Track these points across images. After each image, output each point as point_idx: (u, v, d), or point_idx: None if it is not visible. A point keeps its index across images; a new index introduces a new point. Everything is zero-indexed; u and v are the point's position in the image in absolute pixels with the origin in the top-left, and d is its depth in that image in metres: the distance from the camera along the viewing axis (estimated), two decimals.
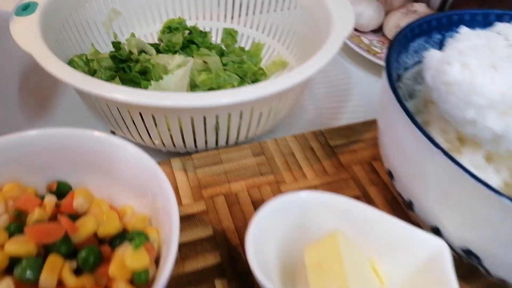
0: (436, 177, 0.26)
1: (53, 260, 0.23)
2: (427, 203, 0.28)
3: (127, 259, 0.24)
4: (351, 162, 0.42)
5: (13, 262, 0.23)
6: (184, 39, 0.54)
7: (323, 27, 0.47)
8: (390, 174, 0.32)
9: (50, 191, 0.29)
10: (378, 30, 0.69)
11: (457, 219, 0.26)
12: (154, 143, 0.41)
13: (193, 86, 0.45)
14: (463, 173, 0.24)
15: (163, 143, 0.41)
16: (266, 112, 0.41)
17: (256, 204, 0.37)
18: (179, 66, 0.44)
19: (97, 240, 0.27)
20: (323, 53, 0.40)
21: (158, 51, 0.52)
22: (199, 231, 0.35)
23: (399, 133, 0.29)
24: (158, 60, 0.47)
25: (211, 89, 0.45)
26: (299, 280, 0.28)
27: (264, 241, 0.27)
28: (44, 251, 0.25)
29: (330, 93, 0.59)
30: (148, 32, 0.57)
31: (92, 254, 0.24)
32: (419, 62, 0.38)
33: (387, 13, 0.68)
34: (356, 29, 0.68)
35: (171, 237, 0.24)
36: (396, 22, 0.64)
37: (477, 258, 0.26)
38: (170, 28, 0.55)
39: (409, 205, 0.30)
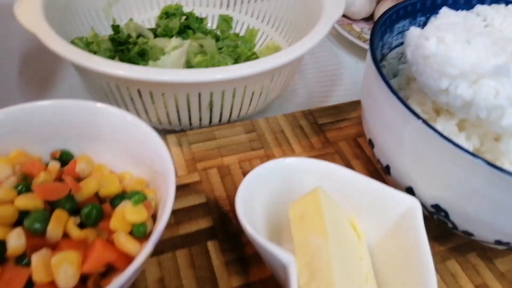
0: (411, 140, 0.28)
1: (59, 214, 0.26)
2: (402, 165, 0.30)
3: (127, 213, 0.26)
4: (337, 138, 0.45)
5: (22, 216, 0.26)
6: (181, 25, 0.56)
7: (315, 13, 0.49)
8: (370, 143, 0.34)
9: (54, 158, 0.32)
10: (369, 19, 0.71)
11: (429, 178, 0.29)
12: (151, 120, 0.43)
13: (189, 67, 0.47)
14: (435, 135, 0.26)
15: (160, 121, 0.43)
16: (258, 91, 0.43)
17: None
18: (175, 47, 0.46)
19: (99, 200, 0.29)
20: (313, 36, 0.42)
21: (156, 36, 0.54)
22: (193, 199, 0.37)
23: (379, 102, 0.31)
24: (155, 43, 0.49)
25: None
26: (285, 236, 0.30)
27: (252, 202, 0.30)
28: (50, 208, 0.27)
29: (321, 78, 0.61)
30: (146, 18, 0.59)
31: (94, 209, 0.27)
32: (403, 43, 0.41)
33: (378, 1, 0.70)
34: (347, 17, 0.70)
35: (168, 193, 0.26)
36: None
37: (445, 213, 0.29)
38: (167, 14, 0.57)
39: (387, 169, 0.33)
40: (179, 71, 0.36)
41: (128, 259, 0.25)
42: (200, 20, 0.58)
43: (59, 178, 0.29)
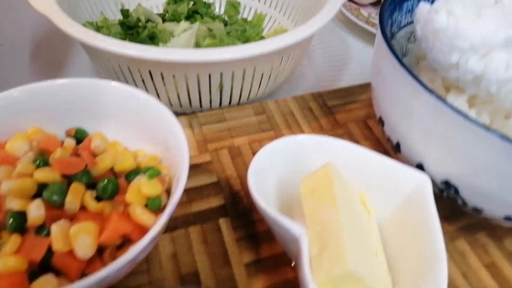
0: (422, 115, 0.29)
1: (76, 187, 0.26)
2: (412, 141, 0.31)
3: (142, 186, 0.27)
4: (346, 120, 0.45)
5: (41, 189, 0.26)
6: (189, 10, 0.56)
7: None
8: (380, 121, 0.35)
9: (69, 136, 0.32)
10: (377, 3, 0.71)
11: (439, 154, 0.29)
12: (162, 102, 0.44)
13: None
14: (447, 108, 0.26)
15: (170, 103, 0.44)
16: (267, 73, 0.43)
17: None
18: (184, 30, 0.47)
19: (114, 175, 0.30)
20: (321, 17, 0.42)
21: (164, 21, 0.54)
22: (205, 178, 0.38)
23: (389, 77, 0.31)
24: (164, 27, 0.49)
25: None
26: (296, 214, 0.31)
27: (263, 178, 0.30)
28: (67, 182, 0.27)
29: (330, 62, 0.61)
30: (154, 3, 0.59)
31: (110, 183, 0.27)
32: (412, 22, 0.41)
33: None
34: (355, 2, 0.70)
35: (181, 167, 0.26)
36: None
37: (456, 189, 0.29)
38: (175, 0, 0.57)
39: (397, 147, 0.33)
40: (189, 51, 0.36)
41: (143, 231, 0.26)
42: (208, 6, 0.59)
43: (75, 155, 0.30)
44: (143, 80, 0.41)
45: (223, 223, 0.34)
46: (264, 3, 0.61)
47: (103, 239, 0.25)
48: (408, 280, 0.27)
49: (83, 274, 0.25)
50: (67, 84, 0.32)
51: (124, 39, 0.47)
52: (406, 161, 0.33)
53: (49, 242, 0.24)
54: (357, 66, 0.61)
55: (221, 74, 0.40)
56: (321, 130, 0.43)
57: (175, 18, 0.54)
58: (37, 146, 0.30)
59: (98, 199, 0.28)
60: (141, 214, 0.26)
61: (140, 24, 0.50)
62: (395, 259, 0.29)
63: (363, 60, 0.62)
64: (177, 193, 0.25)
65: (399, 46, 0.40)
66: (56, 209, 0.26)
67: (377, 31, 0.34)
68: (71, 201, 0.26)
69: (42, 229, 0.25)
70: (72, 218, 0.26)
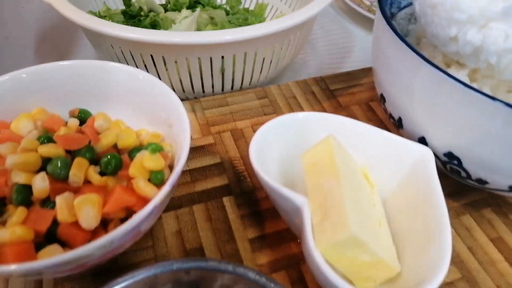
0: (424, 87, 0.29)
1: (80, 161, 0.27)
2: (414, 115, 0.31)
3: (145, 161, 0.27)
4: (349, 103, 0.45)
5: (45, 164, 0.27)
6: (191, 0, 0.56)
7: None
8: (382, 98, 0.35)
9: (73, 116, 0.33)
10: None
11: (441, 126, 0.29)
12: None
13: None
14: (449, 79, 0.26)
15: (173, 89, 0.44)
16: (269, 57, 0.44)
17: None
18: (186, 17, 0.47)
19: (117, 152, 0.30)
20: (319, 1, 0.42)
21: (166, 11, 0.55)
22: (208, 159, 0.38)
23: (390, 53, 0.31)
24: (166, 15, 0.50)
25: None
26: (298, 188, 0.31)
27: (266, 154, 0.30)
28: (71, 157, 0.28)
29: (332, 51, 0.61)
30: None
31: (113, 158, 0.28)
32: (412, 3, 0.41)
33: None
34: None
35: (183, 140, 0.27)
36: None
37: (458, 160, 0.29)
38: None
39: (399, 122, 0.33)
40: (190, 33, 0.37)
41: (147, 203, 0.26)
42: None
43: (79, 133, 0.30)
44: (145, 67, 0.41)
45: (227, 201, 0.34)
46: None
47: (107, 210, 0.25)
48: (412, 250, 0.27)
49: None
50: (71, 66, 0.32)
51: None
52: (408, 136, 0.33)
53: (54, 214, 0.25)
54: (359, 54, 0.61)
55: (223, 58, 0.41)
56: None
57: (177, 8, 0.54)
58: (42, 125, 0.30)
59: (102, 174, 0.28)
60: (144, 187, 0.26)
61: (142, 13, 0.50)
62: (400, 232, 0.29)
63: (365, 49, 0.62)
64: (181, 161, 0.25)
65: (400, 27, 0.40)
66: (60, 183, 0.26)
67: (376, 9, 0.34)
68: (75, 174, 0.26)
69: (47, 203, 0.26)
70: (76, 192, 0.26)
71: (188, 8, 0.56)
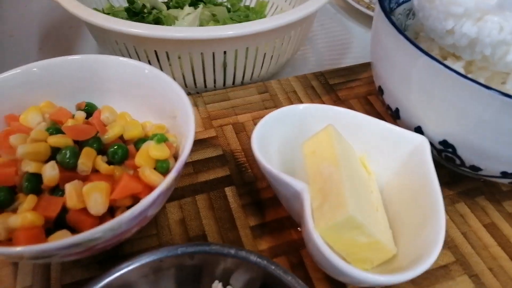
0: (420, 78, 0.30)
1: (88, 150, 0.28)
2: (411, 106, 0.32)
3: (151, 150, 0.28)
4: (348, 97, 0.46)
5: (54, 154, 0.28)
6: None
7: None
8: (380, 90, 0.36)
9: (79, 109, 0.34)
10: None
11: (437, 115, 0.30)
12: None
13: None
14: (444, 69, 0.27)
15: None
16: (270, 52, 0.45)
17: None
18: (188, 14, 0.48)
19: (123, 143, 0.31)
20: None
21: (168, 8, 0.56)
22: (210, 151, 0.39)
23: (388, 45, 0.32)
24: (169, 13, 0.51)
25: None
26: (298, 176, 0.32)
27: (267, 144, 0.31)
28: (79, 148, 0.29)
29: (331, 47, 0.62)
30: None
31: (120, 148, 0.29)
32: None
33: None
34: None
35: (188, 129, 0.28)
36: None
37: (453, 148, 0.30)
38: None
39: (396, 113, 0.34)
40: (194, 28, 0.38)
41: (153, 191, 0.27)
42: None
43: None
44: (149, 62, 0.42)
45: (229, 191, 0.35)
46: None
47: (115, 196, 0.26)
48: (408, 234, 0.28)
49: None
50: (79, 60, 0.33)
51: None
52: (405, 126, 0.34)
53: (63, 201, 0.26)
54: (358, 50, 0.62)
55: (225, 53, 0.42)
56: None
57: (179, 5, 0.55)
58: (50, 117, 0.31)
59: (109, 164, 0.29)
60: (150, 175, 0.27)
61: (145, 10, 0.51)
62: (396, 217, 0.30)
63: (364, 45, 0.63)
64: (187, 147, 0.26)
65: (398, 22, 0.41)
66: (69, 172, 0.27)
67: (376, 4, 0.35)
68: (84, 163, 0.27)
69: (56, 191, 0.27)
70: (85, 180, 0.27)
71: (190, 5, 0.57)
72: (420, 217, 0.28)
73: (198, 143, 0.40)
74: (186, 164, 0.37)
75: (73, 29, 0.60)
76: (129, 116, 0.33)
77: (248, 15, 0.57)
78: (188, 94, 0.47)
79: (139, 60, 0.42)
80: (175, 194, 0.35)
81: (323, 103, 0.45)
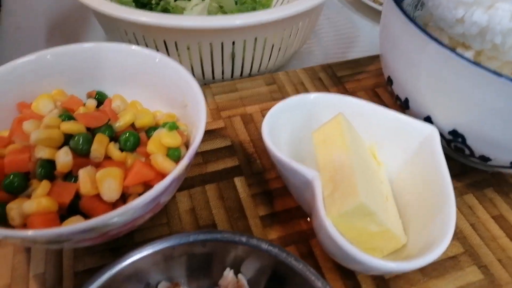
0: (430, 67, 0.30)
1: (101, 137, 0.28)
2: (421, 95, 0.32)
3: (163, 137, 0.28)
4: (355, 89, 0.46)
5: (67, 140, 0.28)
6: None
7: None
8: (389, 80, 0.36)
9: (90, 97, 0.34)
10: None
11: (446, 104, 0.30)
12: None
13: None
14: (455, 56, 0.27)
15: None
16: (277, 44, 0.45)
17: None
18: (196, 5, 0.48)
19: (135, 131, 0.31)
20: None
21: (176, 0, 0.56)
22: (219, 142, 0.39)
23: (398, 34, 0.32)
24: (177, 4, 0.51)
25: None
26: (308, 166, 0.32)
27: (277, 134, 0.31)
28: (91, 135, 0.29)
29: (338, 41, 0.62)
30: None
31: (132, 135, 0.29)
32: None
33: None
34: None
35: (199, 115, 0.28)
36: None
37: (462, 138, 0.30)
38: None
39: (405, 103, 0.34)
40: (203, 17, 0.38)
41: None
42: None
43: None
44: (157, 51, 0.42)
45: (238, 181, 0.36)
46: None
47: (127, 183, 0.26)
48: (418, 223, 0.28)
49: None
50: (92, 48, 0.33)
51: None
52: (414, 116, 0.34)
53: (77, 187, 0.26)
54: (364, 44, 0.62)
55: (233, 44, 0.42)
56: None
57: None
58: (61, 105, 0.31)
59: (121, 152, 0.29)
60: (163, 162, 0.27)
61: (153, 1, 0.51)
62: (406, 208, 0.31)
63: (371, 39, 0.63)
64: (199, 133, 0.27)
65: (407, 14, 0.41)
66: (82, 158, 0.27)
67: None
68: (97, 149, 0.27)
69: (69, 177, 0.27)
70: (97, 167, 0.27)
71: None
72: (430, 207, 0.28)
73: (207, 134, 0.40)
74: (195, 155, 0.37)
75: (80, 19, 0.60)
76: (140, 105, 0.33)
77: (255, 7, 0.57)
78: None
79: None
80: (185, 183, 0.35)
81: None
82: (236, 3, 0.58)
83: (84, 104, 0.32)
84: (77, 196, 0.26)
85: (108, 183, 0.26)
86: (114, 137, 0.30)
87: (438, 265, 0.31)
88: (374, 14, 0.66)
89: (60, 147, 0.28)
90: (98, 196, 0.26)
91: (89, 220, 0.22)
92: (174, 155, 0.29)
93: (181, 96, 0.32)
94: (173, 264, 0.27)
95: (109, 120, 0.30)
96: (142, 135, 0.30)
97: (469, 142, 0.30)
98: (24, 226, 0.25)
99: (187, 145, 0.31)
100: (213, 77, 0.46)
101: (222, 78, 0.46)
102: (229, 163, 0.37)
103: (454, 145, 0.32)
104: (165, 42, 0.41)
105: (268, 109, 0.42)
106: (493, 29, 0.29)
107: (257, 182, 0.36)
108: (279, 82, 0.46)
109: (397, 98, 0.35)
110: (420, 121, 0.31)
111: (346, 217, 0.25)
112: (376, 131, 0.32)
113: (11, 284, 0.28)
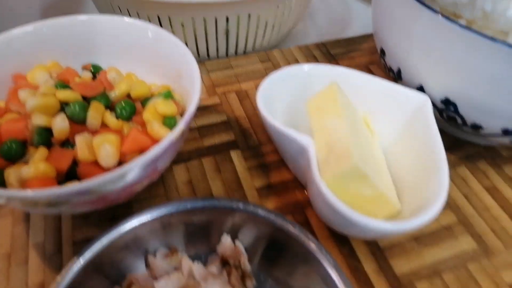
0: (422, 34, 0.30)
1: (96, 105, 0.28)
2: (413, 64, 0.32)
3: (158, 106, 0.29)
4: (349, 66, 0.46)
5: (64, 109, 0.28)
6: None
7: None
8: (382, 52, 0.36)
9: (85, 69, 0.34)
10: None
11: (438, 71, 0.30)
12: None
13: None
14: (447, 22, 0.27)
15: None
16: (271, 21, 0.45)
17: None
18: None
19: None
20: None
21: None
22: (215, 117, 0.39)
23: (390, 4, 0.32)
24: None
25: None
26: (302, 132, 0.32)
27: (272, 103, 0.32)
28: (87, 104, 0.29)
29: (332, 22, 0.62)
30: None
31: (128, 104, 0.29)
32: None
33: None
34: None
35: (194, 86, 0.28)
36: None
37: (454, 106, 0.31)
38: None
39: (398, 74, 0.34)
40: None
41: None
42: None
43: None
44: None
45: (235, 154, 0.36)
46: None
47: (124, 149, 0.26)
48: (412, 191, 0.29)
49: None
50: (86, 20, 0.33)
51: None
52: (407, 86, 0.34)
53: (74, 154, 0.26)
54: (358, 25, 0.62)
55: (227, 21, 0.42)
56: None
57: None
58: (57, 77, 0.31)
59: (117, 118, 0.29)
60: (159, 129, 0.27)
61: None
62: (400, 177, 0.31)
63: (365, 21, 0.63)
64: (194, 97, 0.27)
65: None
66: (79, 125, 0.27)
67: None
68: (93, 116, 0.27)
69: (66, 145, 0.27)
70: (94, 134, 0.27)
71: None
72: (423, 173, 0.29)
73: (203, 110, 0.40)
74: (191, 130, 0.38)
75: (75, 3, 0.59)
76: (135, 77, 0.33)
77: None
78: None
79: None
80: (181, 157, 0.35)
81: None
82: None
83: (79, 77, 0.32)
84: (75, 163, 0.26)
85: (105, 148, 0.26)
86: (110, 107, 0.30)
87: (432, 234, 0.32)
88: None
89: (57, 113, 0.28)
90: (95, 163, 0.26)
91: (87, 180, 0.22)
92: (170, 123, 0.29)
93: (175, 66, 0.32)
94: (171, 231, 0.28)
95: (104, 89, 0.30)
96: (138, 106, 0.30)
97: (461, 110, 0.31)
98: None
99: (182, 116, 0.31)
100: (208, 55, 0.46)
101: (217, 55, 0.46)
102: (225, 137, 0.37)
103: (447, 115, 0.32)
104: (159, 18, 0.41)
105: None
106: None
107: (253, 155, 0.36)
108: (274, 60, 0.46)
109: (390, 70, 0.36)
110: (412, 90, 0.32)
111: (340, 179, 0.25)
112: (369, 101, 0.33)
113: (11, 253, 0.28)
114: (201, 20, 0.41)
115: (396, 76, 0.35)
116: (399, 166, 0.32)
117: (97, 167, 0.26)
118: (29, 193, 0.21)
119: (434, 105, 0.32)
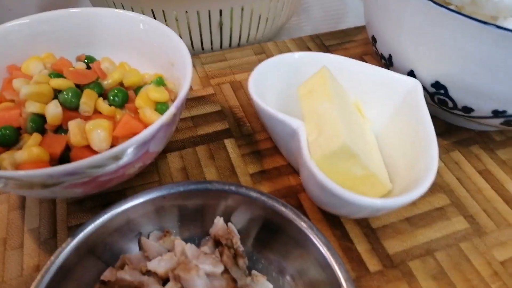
0: (412, 19, 0.30)
1: (89, 92, 0.28)
2: (403, 49, 0.32)
3: (150, 92, 0.29)
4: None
5: (57, 97, 0.28)
6: None
7: None
8: (373, 40, 0.36)
9: (79, 60, 0.34)
10: None
11: (429, 56, 0.31)
12: None
13: None
14: (439, 8, 0.28)
15: None
16: (265, 14, 0.45)
17: None
18: None
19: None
20: None
21: None
22: (209, 107, 0.40)
23: None
24: None
25: None
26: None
27: (263, 89, 0.32)
28: (80, 92, 0.29)
29: (327, 17, 0.63)
30: None
31: (120, 91, 0.29)
32: None
33: None
34: None
35: (185, 72, 0.28)
36: None
37: (445, 89, 0.31)
38: None
39: (389, 60, 0.35)
40: None
41: None
42: None
43: None
44: None
45: (228, 142, 0.36)
46: None
47: (116, 133, 0.27)
48: (403, 172, 0.29)
49: None
50: (80, 13, 0.34)
51: None
52: (398, 72, 0.34)
53: (67, 139, 0.26)
54: (353, 20, 0.63)
55: (221, 14, 0.42)
56: None
57: None
58: (51, 67, 0.32)
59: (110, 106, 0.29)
60: (151, 115, 0.28)
61: None
62: (391, 160, 0.31)
63: (358, 14, 0.64)
64: (187, 77, 0.27)
65: None
66: (72, 112, 0.28)
67: None
68: (86, 102, 0.28)
69: (60, 131, 0.27)
70: (87, 120, 0.28)
71: None
72: (414, 153, 0.29)
73: (197, 100, 0.40)
74: (185, 119, 0.38)
75: (71, 2, 0.60)
76: (128, 66, 0.34)
77: None
78: None
79: None
80: (176, 145, 0.36)
81: None
82: None
83: (73, 67, 0.33)
84: (68, 149, 0.27)
85: (98, 133, 0.26)
86: (103, 95, 0.30)
87: (425, 215, 0.32)
88: None
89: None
90: (88, 147, 0.26)
91: (80, 160, 0.22)
92: (162, 109, 0.29)
93: (167, 55, 0.32)
94: (165, 215, 0.28)
95: (98, 78, 0.30)
96: (131, 94, 0.31)
97: (451, 93, 0.31)
98: None
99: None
100: (202, 48, 0.46)
101: (211, 48, 0.47)
102: (219, 126, 0.38)
103: (438, 98, 0.33)
104: (153, 12, 0.41)
105: None
106: None
107: (247, 143, 0.36)
108: (268, 52, 0.47)
109: (382, 56, 0.36)
110: (403, 75, 0.32)
111: (330, 158, 0.25)
112: (360, 87, 0.33)
113: (6, 238, 0.29)
114: (195, 13, 0.41)
115: (387, 63, 0.35)
116: (391, 148, 0.32)
117: (89, 151, 0.26)
118: (21, 173, 0.22)
119: (425, 89, 0.33)
